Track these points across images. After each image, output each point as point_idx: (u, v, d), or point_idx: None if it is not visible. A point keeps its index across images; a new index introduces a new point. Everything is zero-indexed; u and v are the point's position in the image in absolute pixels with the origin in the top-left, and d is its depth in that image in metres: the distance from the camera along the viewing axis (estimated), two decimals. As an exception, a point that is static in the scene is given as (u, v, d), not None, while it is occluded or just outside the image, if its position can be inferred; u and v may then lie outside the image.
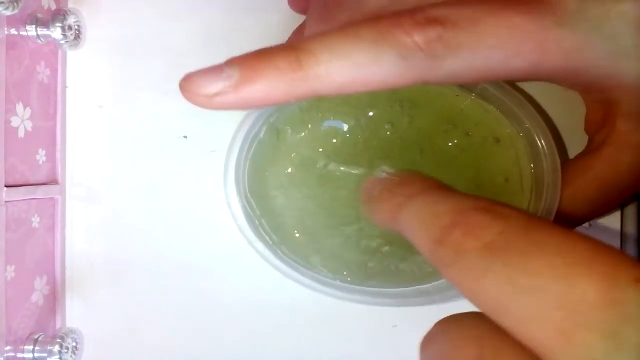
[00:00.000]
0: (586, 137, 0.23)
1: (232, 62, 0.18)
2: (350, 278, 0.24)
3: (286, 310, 0.28)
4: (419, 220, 0.15)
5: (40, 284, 0.28)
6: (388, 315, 0.28)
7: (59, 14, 0.27)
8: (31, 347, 0.26)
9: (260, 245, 0.24)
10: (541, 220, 0.13)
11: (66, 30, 0.27)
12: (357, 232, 0.24)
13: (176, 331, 0.29)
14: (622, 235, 0.26)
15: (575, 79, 0.20)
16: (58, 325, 0.29)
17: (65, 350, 0.27)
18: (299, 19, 0.26)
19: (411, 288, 0.24)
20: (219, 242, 0.28)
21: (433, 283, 0.24)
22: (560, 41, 0.18)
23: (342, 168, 0.24)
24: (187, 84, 0.19)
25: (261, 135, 0.24)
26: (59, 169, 0.29)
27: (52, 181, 0.29)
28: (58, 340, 0.27)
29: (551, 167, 0.22)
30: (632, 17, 0.18)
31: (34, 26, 0.26)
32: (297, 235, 0.25)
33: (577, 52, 0.19)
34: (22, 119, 0.26)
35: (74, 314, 0.29)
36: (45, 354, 0.26)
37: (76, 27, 0.28)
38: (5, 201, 0.25)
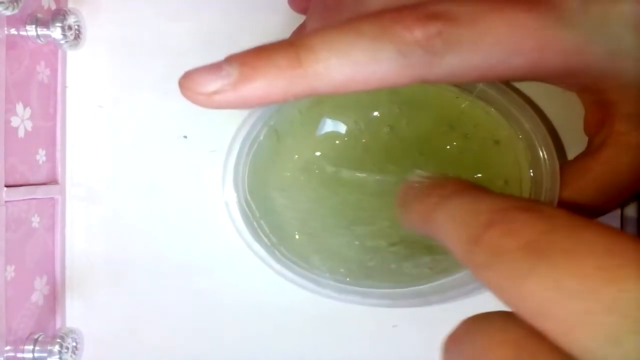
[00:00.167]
0: (585, 139, 0.23)
1: (231, 60, 0.18)
2: (349, 278, 0.24)
3: (286, 310, 0.28)
4: (453, 219, 0.15)
5: (40, 284, 0.28)
6: (388, 315, 0.28)
7: (59, 14, 0.27)
8: (31, 347, 0.26)
9: (257, 246, 0.24)
10: (587, 219, 0.12)
11: (66, 30, 0.27)
12: (366, 233, 0.24)
13: (176, 331, 0.29)
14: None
15: (575, 79, 0.20)
16: (58, 325, 0.29)
17: (65, 350, 0.27)
18: (299, 19, 0.26)
19: (408, 289, 0.24)
20: (219, 242, 0.28)
21: (430, 284, 0.24)
22: (561, 40, 0.18)
23: (346, 171, 0.24)
24: (186, 81, 0.18)
25: (261, 137, 0.24)
26: (59, 169, 0.29)
27: (52, 181, 0.29)
28: (58, 340, 0.27)
29: (550, 170, 0.22)
30: (631, 18, 0.18)
31: (34, 26, 0.26)
32: (297, 236, 0.25)
33: (578, 52, 0.18)
34: (22, 119, 0.26)
35: (74, 314, 0.29)
36: (45, 354, 0.27)
37: (76, 27, 0.28)
38: (5, 201, 0.25)
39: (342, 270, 0.24)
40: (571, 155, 0.25)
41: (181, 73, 0.19)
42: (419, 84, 0.23)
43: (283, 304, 0.28)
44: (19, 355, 0.26)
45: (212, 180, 0.28)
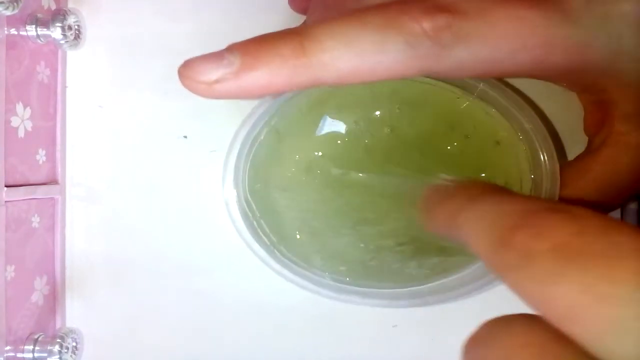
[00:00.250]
0: (585, 140, 0.23)
1: (234, 48, 0.18)
2: (349, 278, 0.24)
3: (286, 310, 0.28)
4: (480, 221, 0.14)
5: (40, 284, 0.28)
6: (388, 315, 0.28)
7: (59, 14, 0.27)
8: (31, 347, 0.26)
9: (256, 246, 0.24)
10: (619, 221, 0.12)
11: (66, 30, 0.27)
12: (373, 233, 0.24)
13: (176, 331, 0.29)
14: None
15: (577, 78, 0.20)
16: (58, 325, 0.29)
17: (65, 350, 0.27)
18: (299, 19, 0.26)
19: (407, 289, 0.24)
20: (219, 242, 0.28)
21: (428, 285, 0.24)
22: (564, 38, 0.18)
23: (348, 171, 0.24)
24: (187, 70, 0.18)
25: (262, 137, 0.24)
26: (59, 169, 0.29)
27: (52, 181, 0.29)
28: (58, 340, 0.27)
29: (550, 171, 0.22)
30: (633, 17, 0.18)
31: (34, 26, 0.26)
32: (298, 236, 0.25)
33: (580, 50, 0.18)
34: (22, 119, 0.26)
35: (74, 314, 0.29)
36: (45, 354, 0.26)
37: (76, 27, 0.28)
38: (5, 201, 0.25)
39: (342, 269, 0.24)
40: (571, 156, 0.25)
41: (181, 73, 0.19)
42: (419, 85, 0.23)
43: (283, 304, 0.28)
44: (19, 355, 0.26)
45: (212, 180, 0.28)
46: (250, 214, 0.24)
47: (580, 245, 0.11)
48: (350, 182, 0.24)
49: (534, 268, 0.12)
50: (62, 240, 0.29)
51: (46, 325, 0.28)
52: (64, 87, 0.29)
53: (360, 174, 0.24)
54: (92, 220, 0.29)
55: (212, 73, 0.18)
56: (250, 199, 0.24)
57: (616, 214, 0.26)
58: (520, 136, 0.23)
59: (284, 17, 0.27)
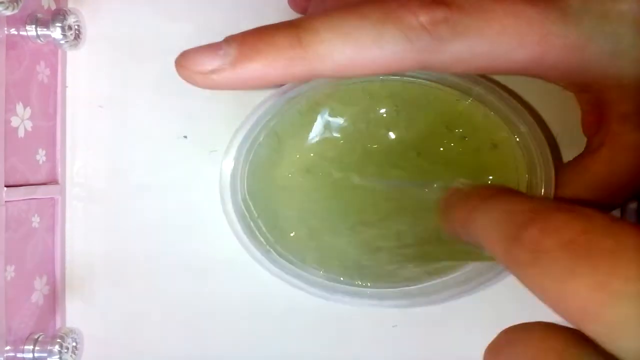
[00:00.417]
0: (583, 142, 0.23)
1: (231, 40, 0.18)
2: (342, 277, 0.25)
3: (286, 310, 0.28)
4: (492, 219, 0.15)
5: (40, 284, 0.28)
6: (388, 316, 0.28)
7: (59, 14, 0.27)
8: (31, 347, 0.26)
9: (252, 247, 0.24)
10: (622, 220, 0.12)
11: (66, 30, 0.27)
12: (374, 234, 0.24)
13: (176, 331, 0.29)
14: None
15: (574, 77, 0.20)
16: (58, 325, 0.29)
17: (65, 350, 0.27)
18: (299, 19, 0.26)
19: (396, 290, 0.24)
20: (219, 242, 0.28)
21: (418, 286, 0.24)
22: (562, 37, 0.18)
23: (347, 172, 0.24)
24: (183, 60, 0.18)
25: (261, 138, 0.24)
26: (59, 169, 0.29)
27: (52, 181, 0.29)
28: (58, 340, 0.27)
29: (545, 174, 0.22)
30: (631, 17, 0.18)
31: (34, 26, 0.26)
32: (294, 234, 0.25)
33: (578, 49, 0.18)
34: (22, 119, 0.26)
35: (74, 314, 0.29)
36: (45, 354, 0.26)
37: (76, 27, 0.28)
38: (5, 201, 0.25)
39: (337, 269, 0.25)
40: (567, 158, 0.25)
41: (180, 73, 0.19)
42: (417, 87, 0.23)
43: (283, 304, 0.28)
44: (19, 355, 0.26)
45: (212, 181, 0.28)
46: (247, 214, 0.24)
47: (587, 243, 0.12)
48: (350, 183, 0.24)
49: (545, 264, 0.12)
50: (62, 240, 0.29)
51: (46, 325, 0.28)
52: (64, 87, 0.29)
53: (359, 175, 0.24)
54: (92, 220, 0.29)
55: (208, 63, 0.18)
56: (248, 199, 0.24)
57: (616, 213, 0.26)
58: (516, 139, 0.23)
59: (284, 17, 0.27)
